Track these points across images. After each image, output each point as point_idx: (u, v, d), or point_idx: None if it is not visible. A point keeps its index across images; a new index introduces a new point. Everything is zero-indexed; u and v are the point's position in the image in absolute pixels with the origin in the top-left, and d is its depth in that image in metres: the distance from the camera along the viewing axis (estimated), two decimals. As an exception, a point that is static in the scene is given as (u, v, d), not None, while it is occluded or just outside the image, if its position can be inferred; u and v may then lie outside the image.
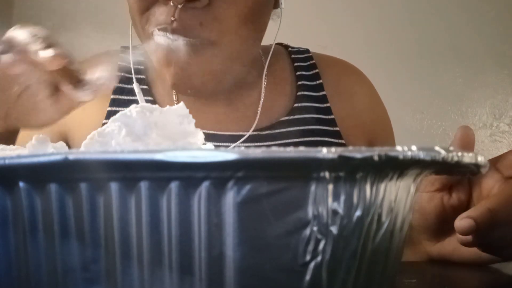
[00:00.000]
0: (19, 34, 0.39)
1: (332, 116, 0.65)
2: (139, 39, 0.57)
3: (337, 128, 0.65)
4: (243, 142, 0.61)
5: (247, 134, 0.62)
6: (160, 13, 0.50)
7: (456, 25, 1.50)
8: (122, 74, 0.66)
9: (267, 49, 0.66)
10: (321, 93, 0.67)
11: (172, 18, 0.49)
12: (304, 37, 1.42)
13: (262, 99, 0.64)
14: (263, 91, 0.65)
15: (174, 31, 0.49)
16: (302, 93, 0.66)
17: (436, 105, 1.51)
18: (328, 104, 0.66)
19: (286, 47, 0.72)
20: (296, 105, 0.65)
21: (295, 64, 0.69)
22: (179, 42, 0.49)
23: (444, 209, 0.48)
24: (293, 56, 0.70)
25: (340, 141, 0.65)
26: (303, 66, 0.68)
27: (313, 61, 0.69)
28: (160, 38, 0.50)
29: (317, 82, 0.67)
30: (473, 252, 0.48)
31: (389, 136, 0.73)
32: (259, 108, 0.64)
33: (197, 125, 0.27)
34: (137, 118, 0.26)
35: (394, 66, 1.47)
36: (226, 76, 0.56)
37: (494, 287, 0.42)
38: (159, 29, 0.50)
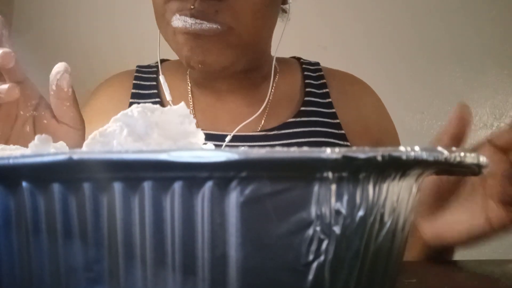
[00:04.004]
0: None
1: (338, 121, 0.69)
2: (158, 28, 0.62)
3: (343, 131, 0.68)
4: (251, 141, 0.65)
5: (255, 133, 0.66)
6: (180, 3, 0.56)
7: (456, 25, 1.50)
8: (140, 75, 0.73)
9: (281, 59, 0.73)
10: (327, 100, 0.70)
11: (192, 7, 0.55)
12: (305, 37, 1.42)
13: (269, 98, 0.68)
14: (270, 91, 0.68)
15: (192, 15, 0.55)
16: (309, 98, 0.70)
17: (436, 105, 1.51)
18: (333, 110, 0.70)
19: (298, 59, 0.77)
20: (302, 108, 0.69)
21: (305, 73, 0.73)
22: (197, 24, 0.55)
23: (441, 183, 0.49)
24: (304, 66, 0.75)
25: (345, 143, 0.67)
26: (312, 76, 0.73)
27: (322, 73, 0.74)
28: (179, 22, 0.55)
29: (324, 90, 0.72)
30: (465, 228, 0.49)
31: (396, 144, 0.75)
32: (267, 109, 0.67)
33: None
34: (138, 118, 0.26)
35: (394, 66, 1.47)
36: (237, 59, 0.60)
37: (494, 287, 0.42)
38: (180, 14, 0.55)
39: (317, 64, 0.76)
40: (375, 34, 1.50)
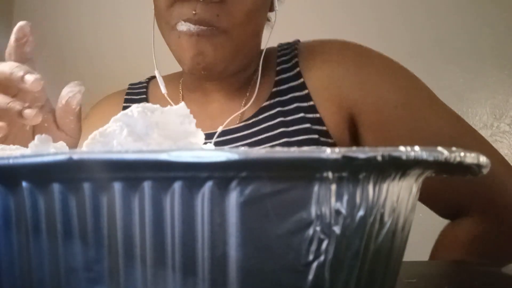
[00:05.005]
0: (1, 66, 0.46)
1: (307, 91, 0.66)
2: (161, 33, 0.65)
3: (312, 103, 0.65)
4: (233, 134, 0.66)
5: (236, 126, 0.67)
6: (184, 7, 0.59)
7: (456, 25, 1.50)
8: (131, 91, 0.77)
9: (264, 53, 0.70)
10: (295, 71, 0.68)
11: (194, 12, 0.58)
12: (304, 37, 1.42)
13: (254, 94, 0.68)
14: (256, 88, 0.68)
15: (196, 22, 0.58)
16: (280, 77, 0.69)
17: (436, 105, 1.51)
18: (302, 80, 0.67)
19: (278, 44, 0.75)
20: (274, 89, 0.68)
21: (279, 53, 0.72)
22: (200, 30, 0.58)
23: None
24: (279, 48, 0.73)
25: (315, 115, 0.65)
26: (285, 53, 0.71)
27: (297, 46, 0.71)
28: (184, 27, 0.59)
29: (293, 61, 0.69)
30: None
31: (387, 107, 0.65)
32: (248, 102, 0.67)
33: (198, 121, 0.28)
34: (138, 118, 0.26)
35: (394, 66, 1.47)
36: (233, 60, 0.63)
37: None
38: (184, 20, 0.59)
39: (297, 41, 0.73)
40: (374, 34, 1.50)
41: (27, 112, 0.45)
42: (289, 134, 0.64)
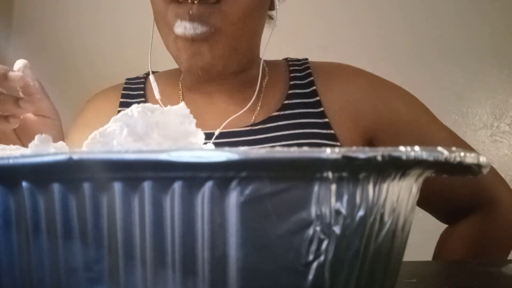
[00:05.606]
0: None
1: (322, 109, 0.69)
2: (160, 35, 0.66)
3: (327, 120, 0.68)
4: (237, 136, 0.67)
5: (242, 129, 0.67)
6: (179, 8, 0.60)
7: (456, 25, 1.50)
8: (128, 86, 0.77)
9: (270, 62, 0.74)
10: (311, 89, 0.70)
11: (190, 12, 0.59)
12: (304, 37, 1.42)
13: (257, 97, 0.69)
14: (262, 93, 0.70)
15: (191, 19, 0.60)
16: (293, 91, 0.71)
17: (436, 105, 1.50)
18: (317, 98, 0.69)
19: (287, 59, 0.78)
20: (286, 102, 0.70)
21: (291, 68, 0.74)
22: (195, 34, 0.59)
23: None
24: (290, 63, 0.76)
25: (329, 131, 0.67)
26: (298, 69, 0.74)
27: (308, 65, 0.74)
28: (180, 29, 0.60)
29: (309, 79, 0.71)
30: None
31: (399, 131, 0.70)
32: (257, 107, 0.69)
33: (199, 120, 0.28)
34: (138, 118, 0.26)
35: (394, 66, 1.47)
36: (229, 60, 0.64)
37: None
38: (180, 20, 0.60)
39: (305, 59, 0.76)
40: (375, 34, 1.50)
41: (23, 102, 0.47)
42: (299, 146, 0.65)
